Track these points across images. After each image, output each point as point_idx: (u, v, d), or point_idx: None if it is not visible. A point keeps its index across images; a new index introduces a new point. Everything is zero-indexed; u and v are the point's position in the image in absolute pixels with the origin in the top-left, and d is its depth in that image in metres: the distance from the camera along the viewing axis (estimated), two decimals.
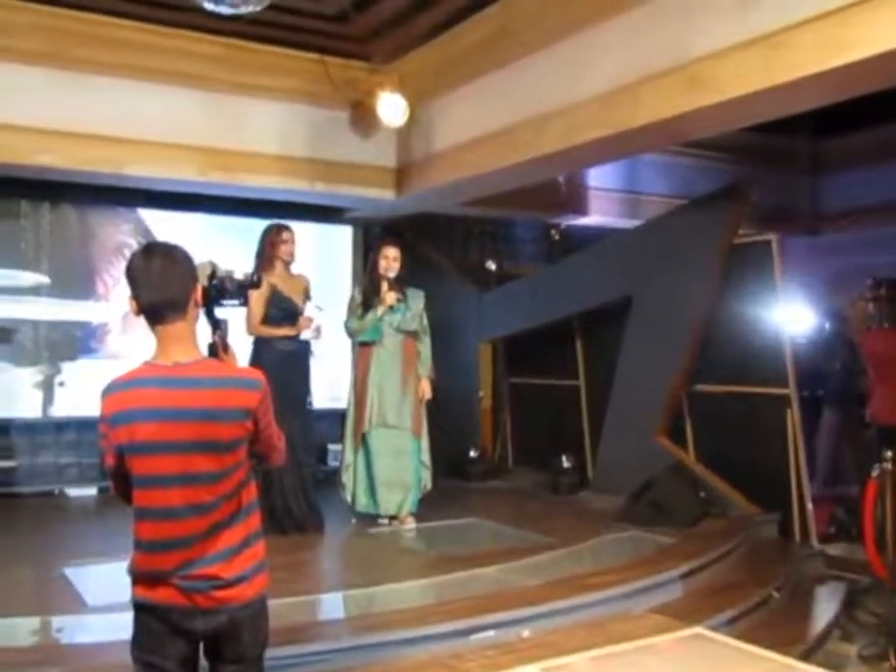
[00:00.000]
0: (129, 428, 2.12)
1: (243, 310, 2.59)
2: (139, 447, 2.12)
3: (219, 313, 2.43)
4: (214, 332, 2.39)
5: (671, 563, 4.70)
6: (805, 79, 4.09)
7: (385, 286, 5.67)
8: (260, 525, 2.29)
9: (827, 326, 7.91)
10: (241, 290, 2.48)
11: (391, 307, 5.66)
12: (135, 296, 2.18)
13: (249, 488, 2.25)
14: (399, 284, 5.72)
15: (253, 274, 2.55)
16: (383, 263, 5.68)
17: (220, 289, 2.41)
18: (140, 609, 2.19)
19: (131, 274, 2.20)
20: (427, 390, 5.78)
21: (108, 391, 2.18)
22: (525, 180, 6.55)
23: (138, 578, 2.19)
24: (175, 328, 2.18)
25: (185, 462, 2.11)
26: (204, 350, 2.32)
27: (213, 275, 2.39)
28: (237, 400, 2.18)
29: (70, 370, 7.10)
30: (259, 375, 2.29)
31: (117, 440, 2.14)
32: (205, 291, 2.33)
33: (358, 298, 5.78)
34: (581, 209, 8.54)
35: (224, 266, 2.47)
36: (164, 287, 2.16)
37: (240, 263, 7.69)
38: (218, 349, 2.36)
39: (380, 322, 5.67)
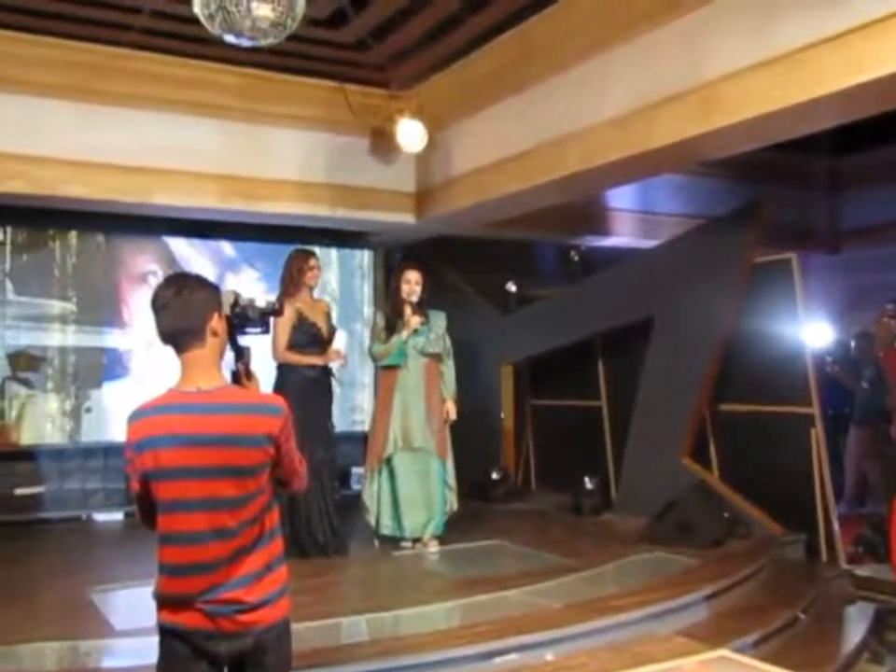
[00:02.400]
0: (153, 454, 2.16)
1: (266, 336, 2.62)
2: (163, 473, 2.16)
3: (242, 340, 2.47)
4: (237, 360, 2.43)
5: (696, 584, 4.67)
6: (822, 99, 4.11)
7: (408, 309, 5.70)
8: (283, 550, 2.32)
9: (853, 344, 7.85)
10: (263, 318, 2.52)
11: (415, 330, 5.70)
12: (157, 326, 2.27)
13: (272, 513, 2.28)
14: (422, 307, 5.76)
15: (275, 302, 2.59)
16: (405, 287, 5.72)
17: (243, 317, 2.45)
18: (165, 632, 2.22)
19: (153, 305, 2.28)
20: (452, 411, 5.80)
21: (133, 418, 2.23)
22: (543, 203, 6.59)
23: (163, 602, 2.22)
24: (195, 354, 2.24)
25: (208, 487, 2.16)
26: (228, 377, 2.37)
27: (235, 304, 2.44)
28: (259, 426, 2.22)
29: (96, 396, 7.19)
30: (280, 401, 2.33)
31: (142, 465, 2.18)
32: (228, 320, 2.37)
33: (381, 322, 5.81)
34: (601, 230, 8.56)
35: (246, 294, 2.52)
36: (180, 315, 2.23)
37: (260, 288, 7.82)
38: (241, 376, 2.40)
39: (404, 345, 5.70)
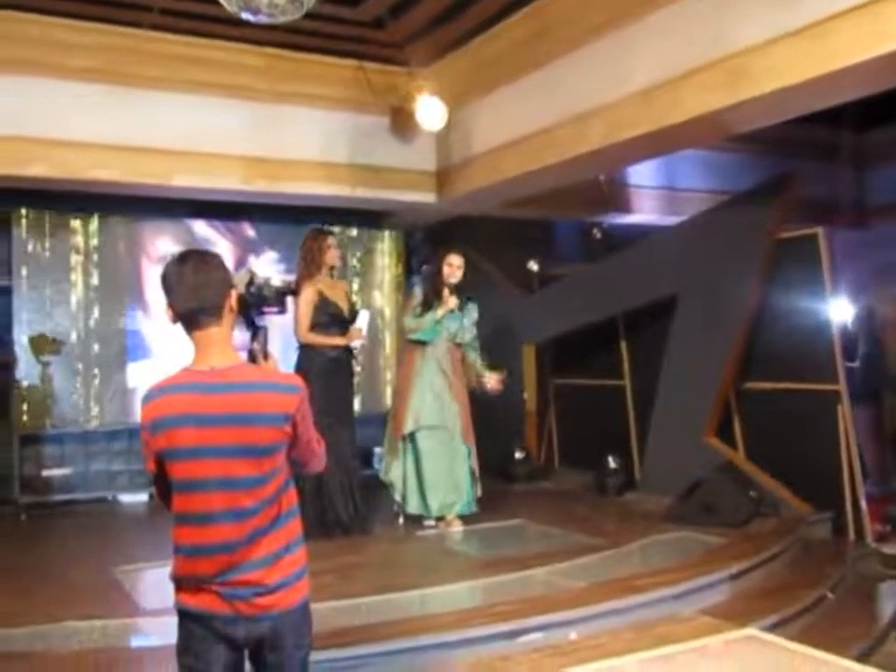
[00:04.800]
0: (168, 434, 2.13)
1: (285, 318, 2.60)
2: (178, 452, 2.13)
3: (259, 321, 2.44)
4: (252, 340, 2.40)
5: (721, 563, 4.64)
6: (849, 69, 4.03)
7: (446, 291, 5.75)
8: (301, 531, 2.28)
9: (850, 321, 7.72)
10: (279, 298, 2.49)
11: (451, 310, 5.73)
12: (171, 303, 2.20)
13: (289, 493, 2.24)
14: (459, 292, 5.80)
15: (291, 282, 2.57)
16: (447, 270, 5.77)
17: (259, 297, 2.42)
18: (183, 615, 2.20)
19: (165, 282, 2.21)
20: (493, 380, 5.77)
21: (147, 398, 2.20)
22: (565, 180, 6.52)
23: (181, 584, 2.20)
24: (211, 333, 2.19)
25: (224, 467, 2.12)
26: (243, 357, 2.32)
27: (251, 283, 2.40)
28: (275, 405, 2.17)
29: (119, 378, 7.24)
30: (297, 380, 2.28)
31: (157, 445, 2.15)
32: (243, 299, 2.34)
33: (419, 297, 5.84)
34: (623, 207, 8.48)
35: (262, 274, 2.49)
36: (199, 293, 2.17)
37: (280, 269, 7.83)
38: (258, 357, 2.37)
39: (438, 325, 5.75)
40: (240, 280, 2.34)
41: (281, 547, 2.18)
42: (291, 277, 5.70)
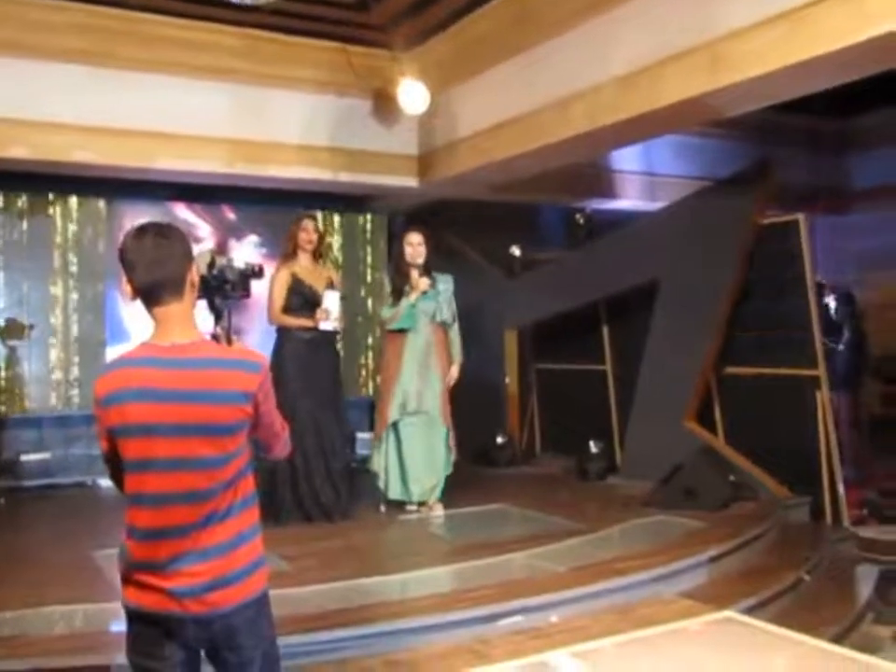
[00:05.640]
0: (120, 409, 2.02)
1: (251, 301, 2.51)
2: (131, 429, 2.02)
3: (221, 305, 2.35)
4: (216, 323, 2.31)
5: (701, 547, 4.67)
6: (830, 55, 4.04)
7: (414, 273, 5.66)
8: (258, 521, 2.17)
9: (832, 306, 7.78)
10: (243, 281, 2.41)
11: (424, 293, 5.66)
12: (130, 278, 2.09)
13: (247, 479, 2.13)
14: (428, 270, 5.72)
15: (255, 264, 2.49)
16: (408, 250, 5.68)
17: (221, 279, 2.33)
18: (131, 614, 2.09)
19: (123, 256, 2.10)
20: (454, 374, 5.79)
21: (101, 372, 2.11)
22: (548, 164, 6.51)
23: (128, 577, 2.08)
24: (171, 309, 2.08)
25: (180, 446, 2.01)
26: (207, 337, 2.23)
27: (212, 264, 2.31)
28: (236, 383, 2.07)
29: (99, 361, 7.18)
30: (260, 357, 2.17)
31: (108, 421, 2.04)
32: (205, 281, 2.24)
33: (388, 286, 5.79)
34: (606, 193, 8.48)
35: (233, 256, 2.43)
36: (159, 266, 2.06)
37: (261, 253, 7.75)
38: (221, 340, 2.28)
39: (413, 309, 5.67)
40: (201, 261, 2.24)
41: (235, 535, 2.07)
42: (254, 260, 5.66)
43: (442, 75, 6.53)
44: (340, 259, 8.20)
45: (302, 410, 5.29)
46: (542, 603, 3.89)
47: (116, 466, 2.11)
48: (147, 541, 2.05)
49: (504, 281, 8.29)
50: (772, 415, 6.21)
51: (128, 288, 2.12)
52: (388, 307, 5.72)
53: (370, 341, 8.26)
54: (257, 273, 2.47)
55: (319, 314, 5.47)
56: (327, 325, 5.48)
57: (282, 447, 2.31)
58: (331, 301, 5.47)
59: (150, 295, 2.09)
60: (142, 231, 2.11)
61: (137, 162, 6.18)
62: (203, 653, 2.14)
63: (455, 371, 5.79)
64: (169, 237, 2.11)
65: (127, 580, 2.09)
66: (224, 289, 2.33)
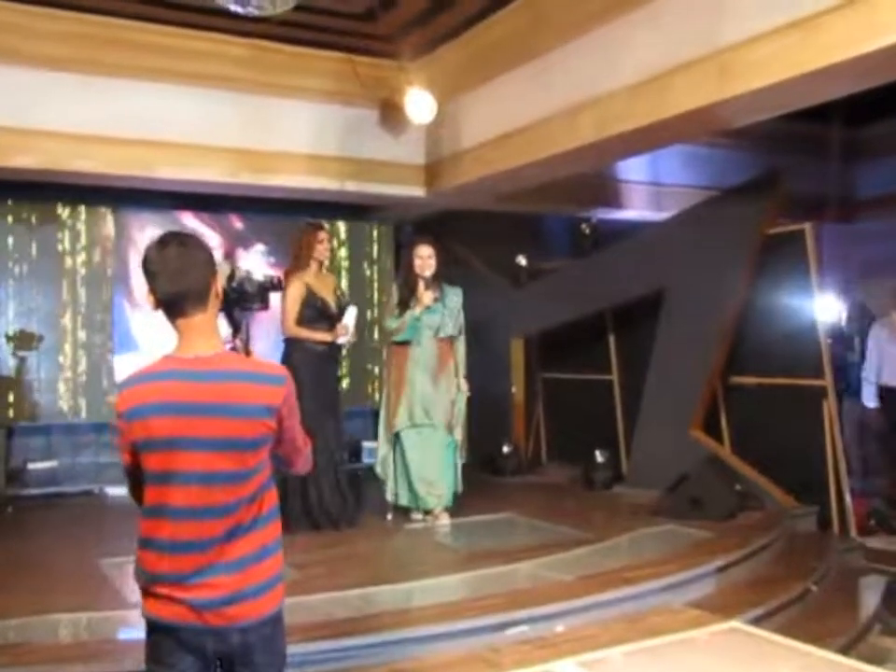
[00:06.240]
0: (144, 424, 2.00)
1: (273, 313, 2.49)
2: (155, 443, 2.00)
3: (240, 317, 2.34)
4: (234, 335, 2.30)
5: (707, 557, 4.67)
6: (839, 65, 4.03)
7: (421, 285, 5.66)
8: (280, 535, 2.15)
9: (845, 316, 7.76)
10: (262, 292, 2.40)
11: (428, 307, 5.66)
12: (153, 289, 2.06)
13: (271, 493, 2.12)
14: (437, 282, 5.71)
15: (274, 276, 2.48)
16: (417, 262, 5.67)
17: (241, 292, 2.33)
18: (151, 625, 2.09)
19: (146, 267, 2.07)
20: (464, 387, 5.78)
21: (124, 386, 2.08)
22: (555, 174, 6.51)
23: (148, 590, 2.07)
24: (196, 320, 2.06)
25: (204, 460, 1.99)
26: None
27: (232, 276, 2.31)
28: (261, 396, 2.05)
29: (107, 370, 7.21)
30: (283, 371, 2.16)
31: (132, 436, 2.02)
32: (224, 293, 2.22)
33: (395, 297, 5.78)
34: (612, 203, 8.49)
35: (247, 266, 2.42)
36: (183, 276, 2.03)
37: (268, 262, 7.78)
38: (239, 353, 2.29)
39: (418, 322, 5.66)
40: (221, 274, 2.24)
41: (258, 550, 2.06)
42: (272, 272, 5.66)
43: (450, 84, 6.55)
44: (346, 268, 8.21)
45: (312, 421, 5.29)
46: (550, 612, 3.88)
47: (137, 479, 2.10)
48: (169, 553, 2.03)
49: (510, 290, 8.30)
50: (779, 425, 6.20)
51: (150, 299, 2.09)
52: (394, 318, 5.72)
53: (375, 351, 8.26)
54: (276, 285, 2.45)
55: (340, 329, 5.48)
56: (342, 339, 5.51)
57: (304, 463, 2.29)
58: (350, 317, 5.49)
59: (174, 306, 2.06)
60: (165, 240, 2.09)
61: (143, 172, 6.20)
62: (219, 666, 2.12)
63: (462, 384, 5.78)
64: (192, 247, 2.09)
65: (147, 591, 2.08)
66: (243, 301, 2.32)
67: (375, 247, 8.42)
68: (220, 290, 2.14)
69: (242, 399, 2.04)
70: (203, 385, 2.02)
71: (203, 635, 2.03)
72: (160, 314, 2.11)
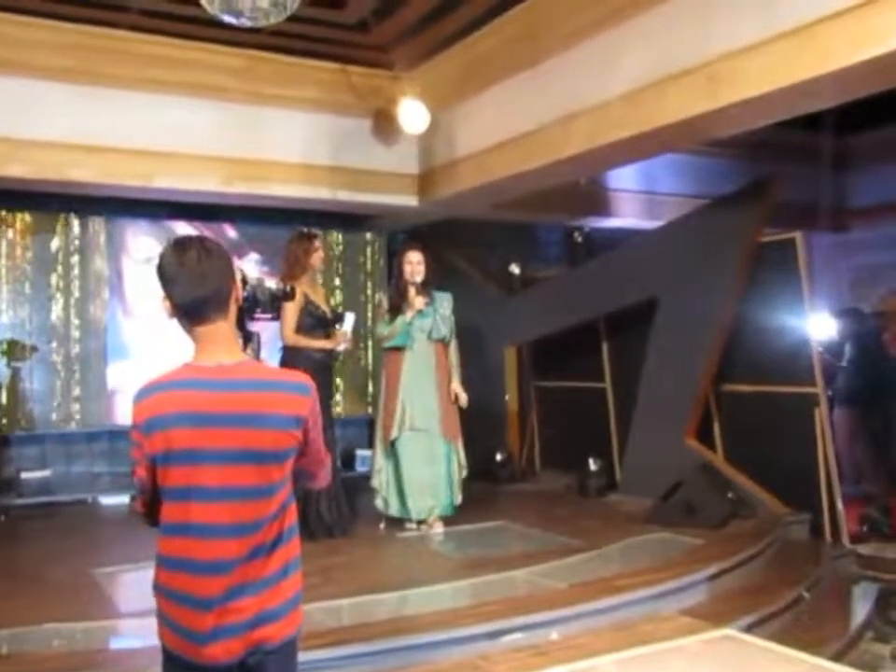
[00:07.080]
0: (165, 436, 1.88)
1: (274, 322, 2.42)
2: (176, 456, 1.89)
3: (251, 326, 2.30)
4: (245, 346, 2.21)
5: (700, 564, 4.67)
6: (829, 75, 4.07)
7: (412, 291, 5.69)
8: (300, 552, 2.04)
9: (836, 324, 7.80)
10: (273, 302, 2.36)
11: (420, 311, 5.68)
12: (169, 294, 1.95)
13: (291, 510, 2.01)
14: (426, 288, 5.74)
15: (285, 286, 2.44)
16: (407, 268, 5.71)
17: (252, 300, 2.29)
18: (165, 650, 1.98)
19: (164, 271, 1.95)
20: (460, 393, 5.79)
21: (141, 395, 1.94)
22: (548, 183, 6.55)
23: (164, 614, 1.95)
24: (216, 327, 1.95)
25: (226, 474, 1.89)
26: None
27: (244, 284, 2.25)
28: (287, 406, 1.95)
29: (100, 379, 7.20)
30: (308, 380, 2.05)
31: (151, 449, 1.90)
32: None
33: (386, 304, 5.81)
34: (604, 211, 8.52)
35: (253, 275, 2.38)
36: (202, 281, 1.92)
37: (263, 271, 7.79)
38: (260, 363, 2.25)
39: (410, 327, 5.69)
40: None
41: (280, 569, 1.95)
42: (275, 280, 5.67)
43: (443, 94, 6.58)
44: (339, 276, 8.22)
45: None
46: (543, 620, 3.88)
47: (153, 495, 1.99)
48: (190, 574, 1.91)
49: (503, 299, 8.32)
50: (771, 432, 6.22)
51: (166, 305, 1.98)
52: (385, 324, 5.75)
53: (370, 358, 8.27)
54: (288, 294, 2.40)
55: (340, 336, 5.50)
56: (342, 346, 5.54)
57: (325, 476, 2.22)
58: (349, 324, 5.52)
59: (193, 312, 1.95)
60: (182, 243, 1.98)
61: (135, 181, 6.21)
62: None
63: (458, 390, 5.79)
64: (211, 251, 1.97)
65: (164, 617, 1.96)
66: (255, 311, 2.28)
67: (369, 256, 8.43)
68: (241, 295, 2.07)
69: (269, 408, 1.94)
70: (228, 394, 1.92)
71: (219, 664, 1.92)
72: (160, 322, 2.04)
